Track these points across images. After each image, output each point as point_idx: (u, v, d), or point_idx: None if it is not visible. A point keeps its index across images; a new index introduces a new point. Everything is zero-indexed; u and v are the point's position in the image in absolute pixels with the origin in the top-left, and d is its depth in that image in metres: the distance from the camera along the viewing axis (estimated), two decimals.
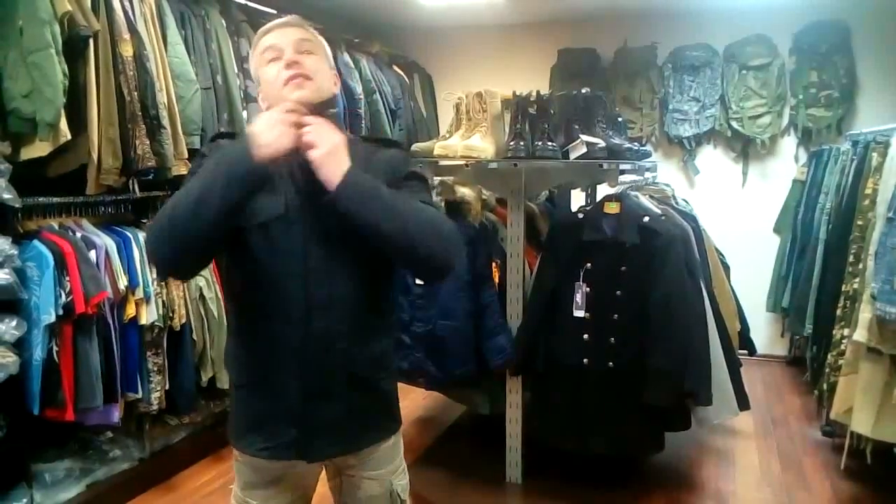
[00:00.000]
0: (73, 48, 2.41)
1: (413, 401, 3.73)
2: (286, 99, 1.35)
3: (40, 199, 2.50)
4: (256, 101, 3.54)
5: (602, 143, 2.64)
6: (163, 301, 2.74)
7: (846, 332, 2.80)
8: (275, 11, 3.75)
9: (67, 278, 2.37)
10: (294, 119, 1.28)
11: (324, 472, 1.56)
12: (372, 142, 1.53)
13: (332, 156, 1.30)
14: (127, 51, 2.59)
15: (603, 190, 2.98)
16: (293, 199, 1.36)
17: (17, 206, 2.31)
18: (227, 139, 1.45)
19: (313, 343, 1.36)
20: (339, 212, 1.29)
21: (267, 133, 1.25)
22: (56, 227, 2.55)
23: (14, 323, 2.23)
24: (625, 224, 2.63)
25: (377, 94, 4.32)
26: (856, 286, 2.78)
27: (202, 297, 2.94)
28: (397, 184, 1.40)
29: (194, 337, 2.92)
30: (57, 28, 2.31)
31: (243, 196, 1.26)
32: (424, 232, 1.32)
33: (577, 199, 3.86)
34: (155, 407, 2.77)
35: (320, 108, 1.38)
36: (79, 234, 2.56)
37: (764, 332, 4.53)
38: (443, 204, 2.80)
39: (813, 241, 3.74)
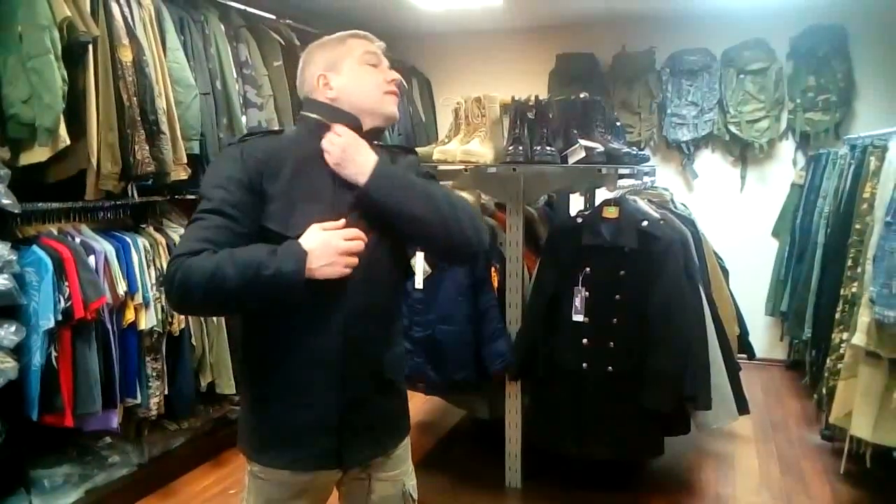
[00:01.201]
0: (73, 54, 2.41)
1: (413, 405, 3.67)
2: (378, 101, 1.42)
3: (39, 204, 2.50)
4: (256, 106, 3.56)
5: (601, 148, 2.65)
6: (162, 306, 2.74)
7: (845, 335, 2.80)
8: (273, 17, 3.77)
9: (66, 284, 2.36)
10: (352, 248, 1.29)
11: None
12: (390, 149, 1.55)
13: (347, 156, 1.34)
14: (126, 56, 2.59)
15: (602, 194, 2.99)
16: (340, 208, 1.34)
17: (16, 211, 2.31)
18: (255, 138, 1.43)
19: (351, 351, 1.37)
20: (372, 203, 1.33)
21: (323, 265, 1.26)
22: (55, 232, 2.55)
23: (13, 328, 2.23)
24: (624, 228, 2.63)
25: None
26: (854, 290, 2.79)
27: None
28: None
29: (193, 342, 2.92)
30: (56, 34, 2.31)
31: (283, 299, 1.29)
32: (457, 213, 1.36)
33: (576, 203, 3.87)
34: (154, 412, 2.76)
35: (380, 132, 1.47)
36: (78, 240, 2.56)
37: (763, 336, 4.53)
38: None
39: (811, 245, 3.74)
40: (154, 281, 2.72)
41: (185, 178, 2.87)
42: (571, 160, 2.63)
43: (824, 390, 3.05)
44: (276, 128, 1.40)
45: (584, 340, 2.64)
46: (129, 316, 2.62)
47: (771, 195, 4.60)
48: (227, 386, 3.01)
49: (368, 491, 1.52)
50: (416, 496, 1.59)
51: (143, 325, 2.67)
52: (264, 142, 1.40)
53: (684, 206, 3.75)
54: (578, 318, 2.64)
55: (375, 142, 1.46)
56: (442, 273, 2.69)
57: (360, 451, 1.44)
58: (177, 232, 2.93)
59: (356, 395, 1.39)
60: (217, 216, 1.29)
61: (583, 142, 2.63)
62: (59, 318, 2.32)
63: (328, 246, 1.27)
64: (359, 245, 1.30)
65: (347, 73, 1.42)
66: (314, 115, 1.43)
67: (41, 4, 2.28)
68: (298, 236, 1.28)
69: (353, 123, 1.40)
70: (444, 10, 4.37)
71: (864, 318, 2.47)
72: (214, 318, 2.96)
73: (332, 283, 1.29)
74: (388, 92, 1.44)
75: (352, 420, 1.40)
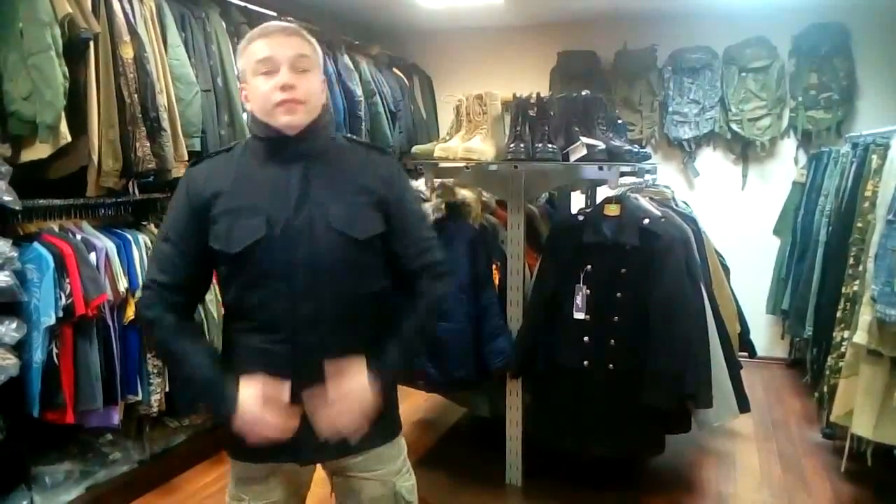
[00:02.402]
0: (74, 50, 2.41)
1: (413, 403, 3.72)
2: (269, 113, 1.37)
3: (40, 201, 2.51)
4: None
5: (602, 146, 2.64)
6: None
7: (846, 334, 2.80)
8: (275, 14, 3.76)
9: (67, 280, 2.36)
10: (280, 421, 1.34)
11: (324, 472, 1.57)
12: (362, 145, 1.55)
13: (347, 413, 1.37)
14: (127, 53, 2.59)
15: (603, 192, 2.98)
16: (277, 219, 1.36)
17: (17, 208, 2.31)
18: (204, 161, 1.49)
19: (302, 357, 1.38)
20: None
21: (242, 427, 1.34)
22: (56, 229, 2.55)
23: (14, 325, 2.23)
24: (625, 226, 2.63)
25: (377, 96, 4.32)
26: (856, 288, 2.78)
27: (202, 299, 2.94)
28: (394, 202, 1.45)
29: None
30: (57, 30, 2.31)
31: None
32: (432, 329, 1.61)
33: (577, 201, 3.86)
34: (155, 409, 2.76)
35: (310, 129, 1.41)
36: (79, 237, 2.56)
37: (764, 334, 4.53)
38: (443, 206, 2.79)
39: (813, 243, 3.74)
40: None
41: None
42: (573, 158, 2.62)
43: (825, 388, 3.04)
44: (232, 144, 1.48)
45: (585, 338, 2.64)
46: (130, 313, 2.62)
47: (772, 193, 4.60)
48: None
49: (357, 490, 1.53)
50: (410, 498, 1.57)
51: None
52: (208, 164, 1.46)
53: (686, 203, 3.74)
54: (579, 315, 2.64)
55: (347, 137, 1.49)
56: None
57: (315, 450, 1.43)
58: None
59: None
60: (166, 244, 1.43)
61: (584, 139, 2.62)
62: (61, 314, 2.33)
63: (252, 421, 1.33)
64: (278, 433, 1.34)
65: (250, 83, 1.41)
66: (250, 129, 1.47)
67: (42, 1, 2.28)
68: (239, 253, 1.35)
69: (274, 134, 1.39)
70: (445, 7, 4.36)
71: (865, 316, 2.47)
72: (215, 316, 2.95)
73: (280, 293, 1.36)
74: (277, 104, 1.36)
75: (305, 421, 1.37)
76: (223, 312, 1.52)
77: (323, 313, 1.38)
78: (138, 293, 2.63)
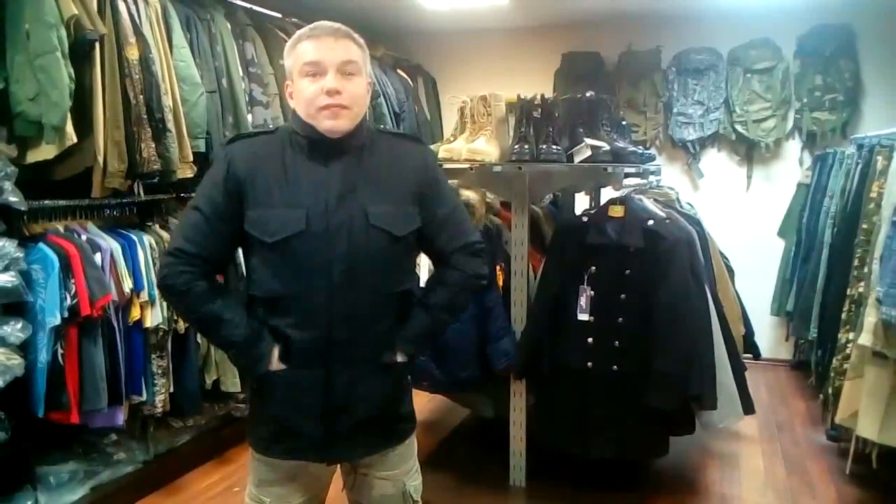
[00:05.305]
0: (80, 52, 2.42)
1: (417, 404, 3.66)
2: (313, 117, 1.38)
3: (46, 201, 2.51)
4: (262, 104, 3.56)
5: (606, 147, 2.64)
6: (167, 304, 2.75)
7: (851, 336, 2.79)
8: (279, 15, 3.77)
9: (73, 281, 2.37)
10: None
11: (338, 469, 1.58)
12: (396, 136, 1.58)
13: None
14: (133, 54, 2.60)
15: (607, 193, 2.98)
16: (316, 213, 1.38)
17: (22, 208, 2.31)
18: (244, 140, 1.48)
19: (336, 353, 1.39)
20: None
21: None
22: (61, 229, 2.56)
23: (19, 325, 2.24)
24: (629, 227, 2.63)
25: (381, 97, 4.33)
26: (861, 290, 2.78)
27: None
28: (427, 190, 1.48)
29: (199, 340, 2.92)
30: (63, 31, 2.32)
31: None
32: (464, 303, 1.59)
33: (582, 202, 3.86)
34: (159, 409, 2.77)
35: (352, 133, 1.42)
36: (84, 237, 2.56)
37: (768, 335, 4.52)
38: None
39: (818, 244, 3.73)
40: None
41: (191, 176, 2.87)
42: (577, 159, 2.62)
43: (830, 390, 3.04)
44: (271, 127, 1.49)
45: (589, 340, 2.63)
46: (135, 313, 2.63)
47: (777, 195, 4.59)
48: (232, 384, 3.02)
49: (368, 487, 1.55)
50: (417, 497, 1.60)
51: (149, 322, 2.67)
52: (249, 146, 1.45)
53: (690, 205, 3.74)
54: (583, 317, 2.64)
55: (381, 127, 1.52)
56: None
57: (346, 448, 1.46)
58: None
59: (343, 395, 1.41)
60: (196, 214, 1.42)
61: (588, 141, 2.62)
62: (66, 315, 2.33)
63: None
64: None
65: (296, 83, 1.43)
66: (292, 124, 1.46)
67: (48, 2, 2.29)
68: (275, 242, 1.36)
69: (317, 136, 1.41)
70: (449, 9, 4.36)
71: (870, 318, 2.46)
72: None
73: (317, 287, 1.37)
74: (322, 108, 1.38)
75: (337, 418, 1.42)
76: (247, 301, 1.51)
77: (358, 309, 1.39)
78: (143, 294, 2.65)
